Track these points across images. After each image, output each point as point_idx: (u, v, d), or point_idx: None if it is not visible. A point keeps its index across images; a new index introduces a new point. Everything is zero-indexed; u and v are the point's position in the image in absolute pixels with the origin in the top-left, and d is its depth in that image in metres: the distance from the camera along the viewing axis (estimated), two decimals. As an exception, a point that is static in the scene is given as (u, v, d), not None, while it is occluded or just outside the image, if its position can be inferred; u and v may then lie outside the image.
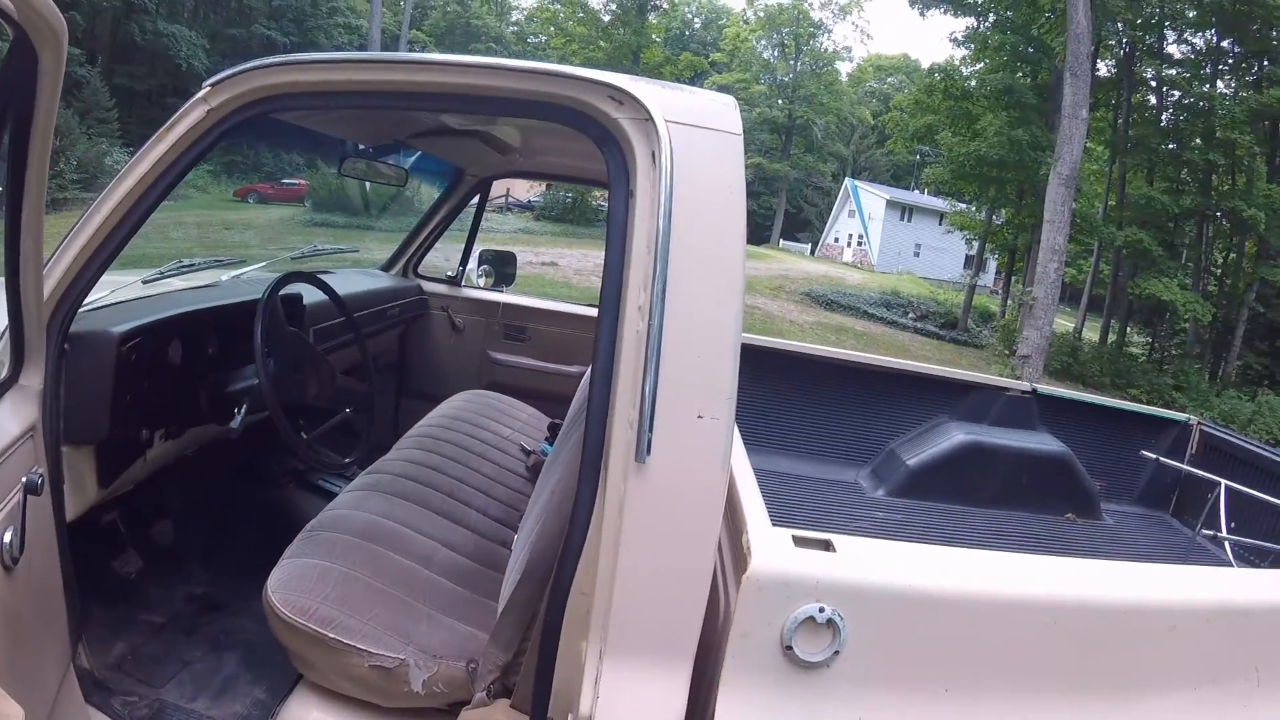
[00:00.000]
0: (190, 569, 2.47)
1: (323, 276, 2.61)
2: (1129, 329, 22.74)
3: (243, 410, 2.11)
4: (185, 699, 1.98)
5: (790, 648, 1.25)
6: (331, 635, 1.67)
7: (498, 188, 3.94)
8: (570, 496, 1.35)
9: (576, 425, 1.75)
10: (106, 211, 1.59)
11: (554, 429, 2.93)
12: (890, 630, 1.31)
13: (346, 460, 2.33)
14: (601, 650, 1.27)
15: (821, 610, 1.25)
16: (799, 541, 1.32)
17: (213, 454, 2.51)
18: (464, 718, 1.57)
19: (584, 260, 19.39)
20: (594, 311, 3.62)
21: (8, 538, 1.36)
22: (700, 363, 1.25)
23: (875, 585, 1.30)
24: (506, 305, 3.68)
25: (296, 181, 24.38)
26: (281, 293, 2.23)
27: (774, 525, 1.37)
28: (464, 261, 3.81)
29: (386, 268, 3.75)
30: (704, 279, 1.26)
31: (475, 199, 3.73)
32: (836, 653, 1.27)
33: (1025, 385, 3.31)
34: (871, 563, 1.34)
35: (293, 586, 1.75)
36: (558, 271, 18.13)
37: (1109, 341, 21.92)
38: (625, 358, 1.27)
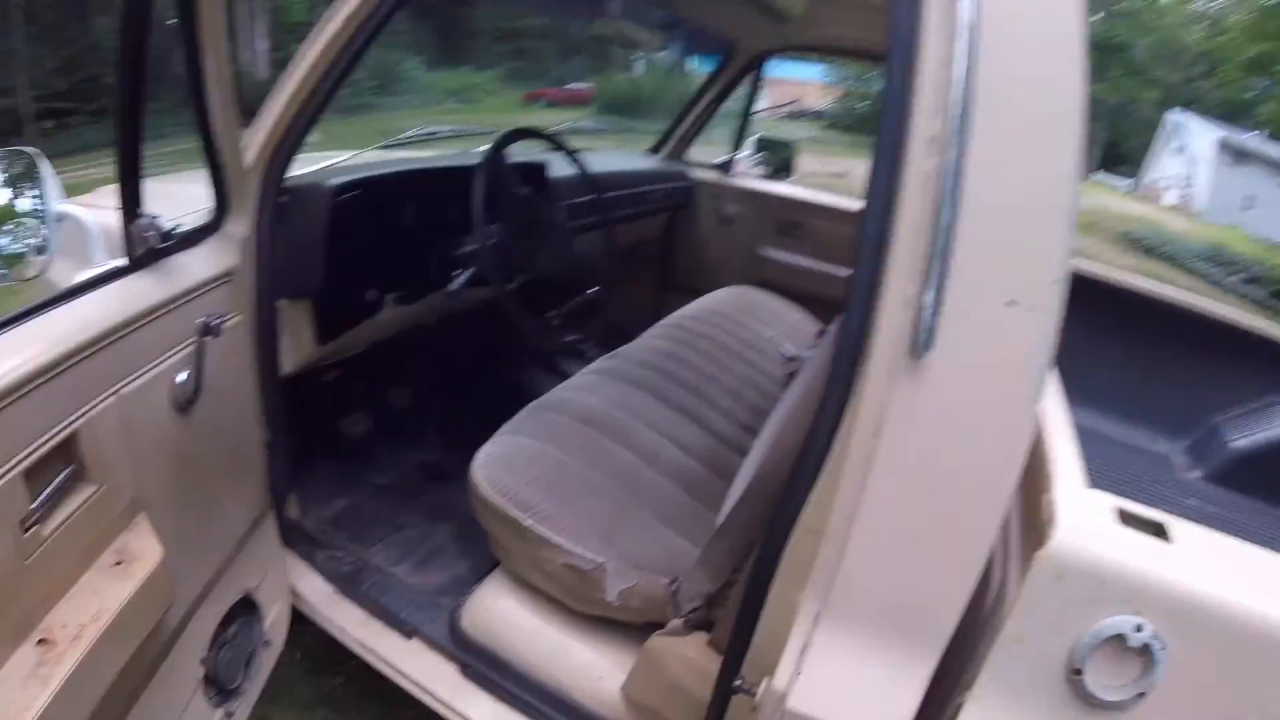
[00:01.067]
0: (421, 436, 2.45)
1: (581, 155, 2.40)
2: None
3: (467, 274, 1.96)
4: (389, 562, 1.94)
5: (1079, 673, 0.86)
6: (529, 522, 1.51)
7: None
8: (816, 401, 1.02)
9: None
10: (314, 55, 1.51)
11: (821, 336, 2.59)
12: (1233, 678, 0.85)
13: (570, 339, 2.13)
14: (819, 612, 0.94)
15: (1138, 629, 0.84)
16: (1125, 518, 0.91)
17: (456, 325, 2.44)
18: (653, 644, 1.37)
19: (875, 174, 18.41)
20: None
21: (181, 378, 1.30)
22: (1017, 226, 0.87)
23: (1230, 606, 0.83)
24: (781, 198, 3.30)
25: (584, 86, 24.94)
26: (526, 159, 2.05)
27: (1090, 487, 0.97)
28: (736, 148, 3.45)
29: (654, 151, 3.51)
30: (1025, 105, 0.87)
31: (749, 79, 3.30)
32: (1142, 695, 0.85)
33: None
34: (1225, 569, 0.88)
35: (500, 464, 1.61)
36: (845, 183, 17.32)
37: None
38: (907, 209, 0.90)
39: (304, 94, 1.53)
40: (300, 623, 1.83)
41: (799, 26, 2.85)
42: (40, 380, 0.98)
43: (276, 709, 1.93)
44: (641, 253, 3.41)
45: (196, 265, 1.38)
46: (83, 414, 1.07)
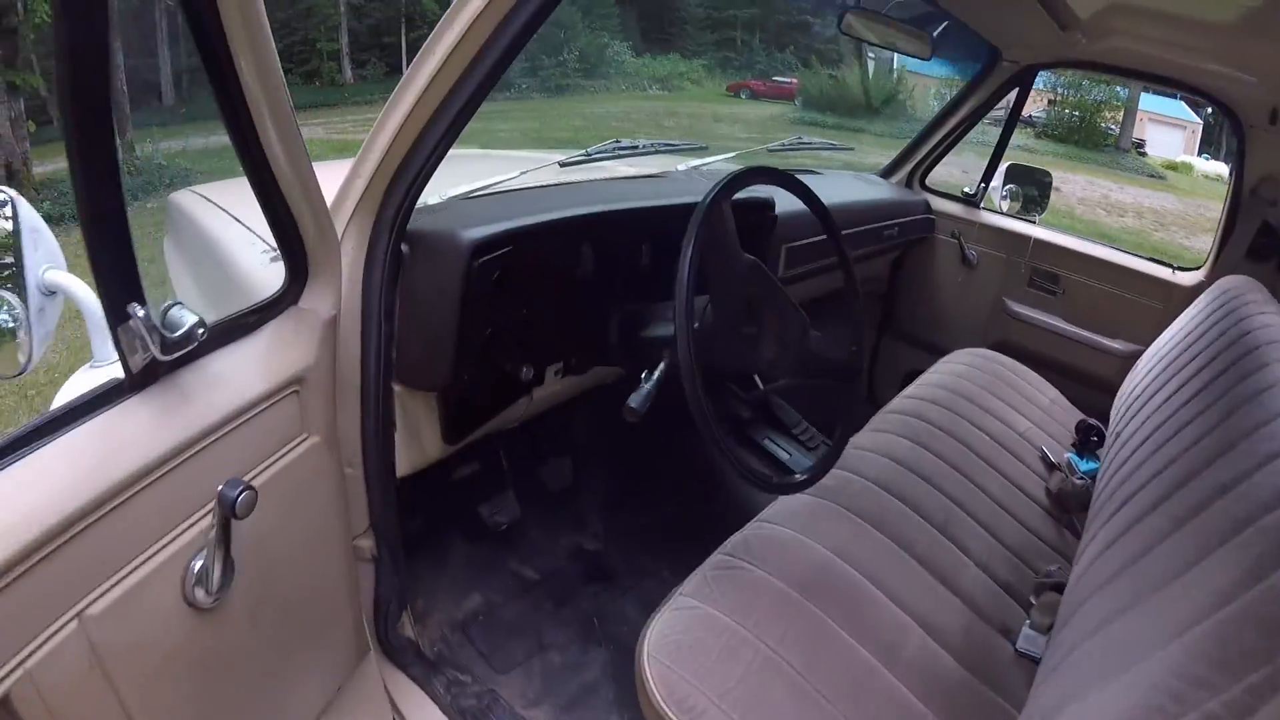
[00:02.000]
0: (578, 517, 2.03)
1: (804, 178, 1.80)
2: None
3: (660, 371, 1.38)
4: (524, 701, 1.53)
5: None
6: None
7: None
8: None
9: (1173, 471, 1.10)
10: (443, 52, 1.05)
11: (1083, 432, 1.99)
12: None
13: (797, 478, 1.50)
14: None
15: None
16: None
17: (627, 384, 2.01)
18: None
19: (1089, 189, 16.77)
20: (1152, 268, 2.48)
21: (199, 565, 0.87)
22: None
23: None
24: (1039, 242, 2.66)
25: (788, 80, 24.26)
26: (742, 197, 1.46)
27: None
28: (987, 177, 2.83)
29: (886, 174, 2.96)
30: None
31: (1011, 95, 2.67)
32: None
33: None
34: None
35: (679, 656, 1.15)
36: (1059, 198, 15.91)
37: None
38: None
39: (434, 101, 1.08)
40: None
41: (1079, 36, 2.19)
42: None
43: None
44: (864, 292, 2.88)
45: (238, 375, 0.94)
46: (19, 663, 0.70)
